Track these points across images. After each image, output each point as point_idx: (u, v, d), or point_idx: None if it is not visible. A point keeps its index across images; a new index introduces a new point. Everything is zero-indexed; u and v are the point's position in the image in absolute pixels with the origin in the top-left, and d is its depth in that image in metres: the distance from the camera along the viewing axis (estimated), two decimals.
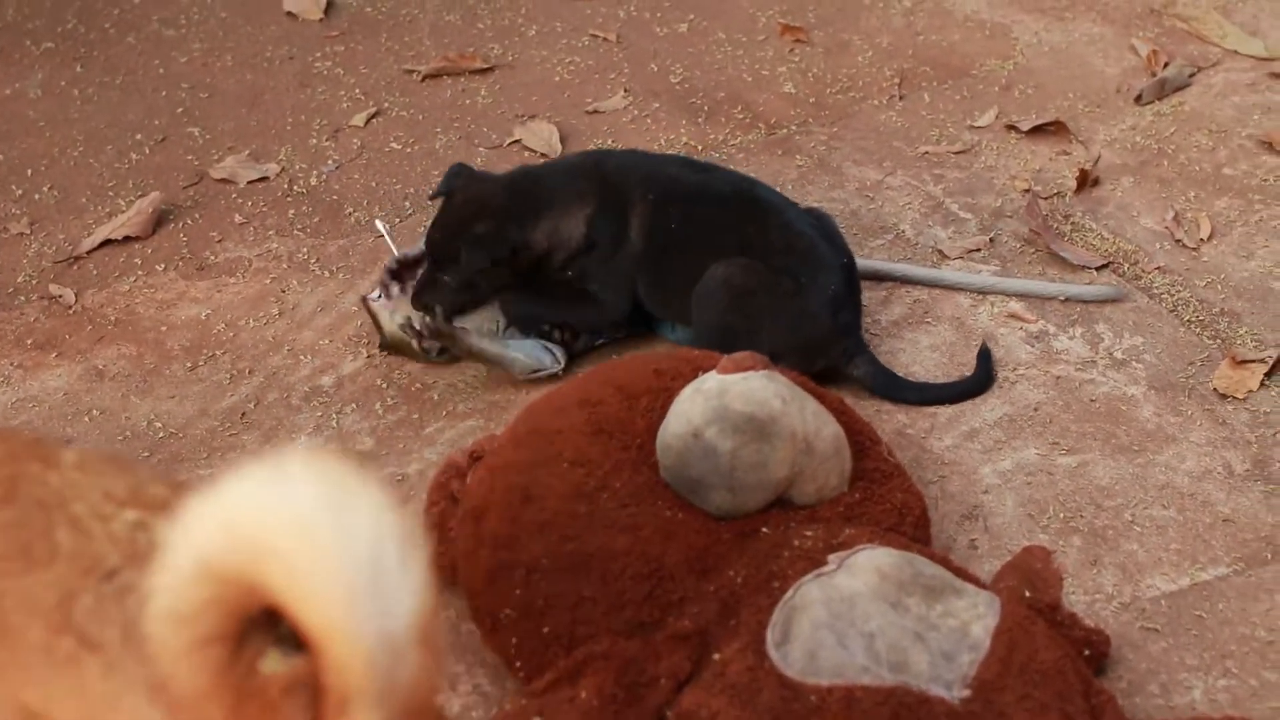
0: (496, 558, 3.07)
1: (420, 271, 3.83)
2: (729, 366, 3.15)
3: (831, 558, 3.00)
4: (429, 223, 3.84)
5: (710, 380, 3.15)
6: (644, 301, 3.86)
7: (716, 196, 3.84)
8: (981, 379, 3.81)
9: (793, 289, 3.72)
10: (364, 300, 3.88)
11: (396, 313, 3.82)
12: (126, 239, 4.25)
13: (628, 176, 3.83)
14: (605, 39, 5.04)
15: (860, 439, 3.32)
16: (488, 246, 3.73)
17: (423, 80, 4.85)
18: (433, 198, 3.93)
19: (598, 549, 3.02)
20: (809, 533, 3.08)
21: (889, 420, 3.71)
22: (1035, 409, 3.74)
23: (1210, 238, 4.24)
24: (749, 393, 3.10)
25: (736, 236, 3.77)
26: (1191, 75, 4.88)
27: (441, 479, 3.38)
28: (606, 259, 3.81)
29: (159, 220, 4.30)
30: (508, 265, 3.77)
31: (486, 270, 3.75)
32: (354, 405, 3.76)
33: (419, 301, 3.79)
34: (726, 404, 3.09)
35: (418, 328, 3.75)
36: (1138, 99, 4.78)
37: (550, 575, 3.01)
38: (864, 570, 2.95)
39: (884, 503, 3.22)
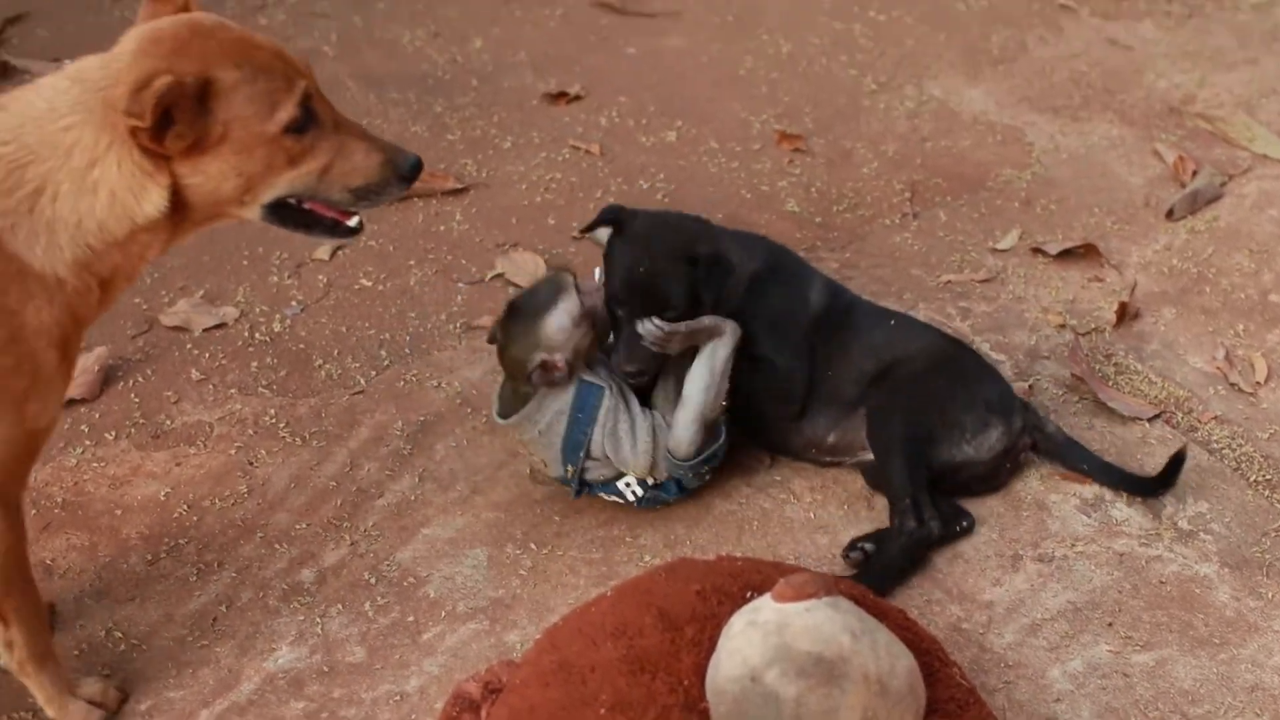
0: None
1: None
2: (787, 593, 2.74)
3: None
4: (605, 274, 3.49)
5: (766, 611, 2.73)
6: None
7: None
8: (1150, 480, 3.59)
9: (976, 356, 3.69)
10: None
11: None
12: (71, 402, 3.78)
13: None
14: (588, 151, 4.62)
15: (930, 660, 2.92)
16: (723, 267, 3.47)
17: (391, 204, 4.40)
18: (586, 231, 3.61)
19: None
20: None
21: (942, 614, 3.32)
22: (1101, 594, 3.37)
23: (1267, 379, 3.89)
24: (814, 627, 2.69)
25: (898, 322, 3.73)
26: (1223, 185, 4.53)
27: (451, 712, 2.95)
28: (785, 317, 3.58)
29: (107, 378, 3.84)
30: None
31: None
32: (340, 605, 3.33)
33: (633, 364, 3.41)
34: (788, 641, 2.68)
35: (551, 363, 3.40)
36: (1169, 214, 4.42)
37: None
38: None
39: None
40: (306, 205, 2.92)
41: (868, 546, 3.43)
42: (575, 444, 3.43)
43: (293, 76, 2.76)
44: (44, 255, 2.71)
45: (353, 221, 2.98)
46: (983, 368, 3.66)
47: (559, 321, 3.38)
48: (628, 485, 3.49)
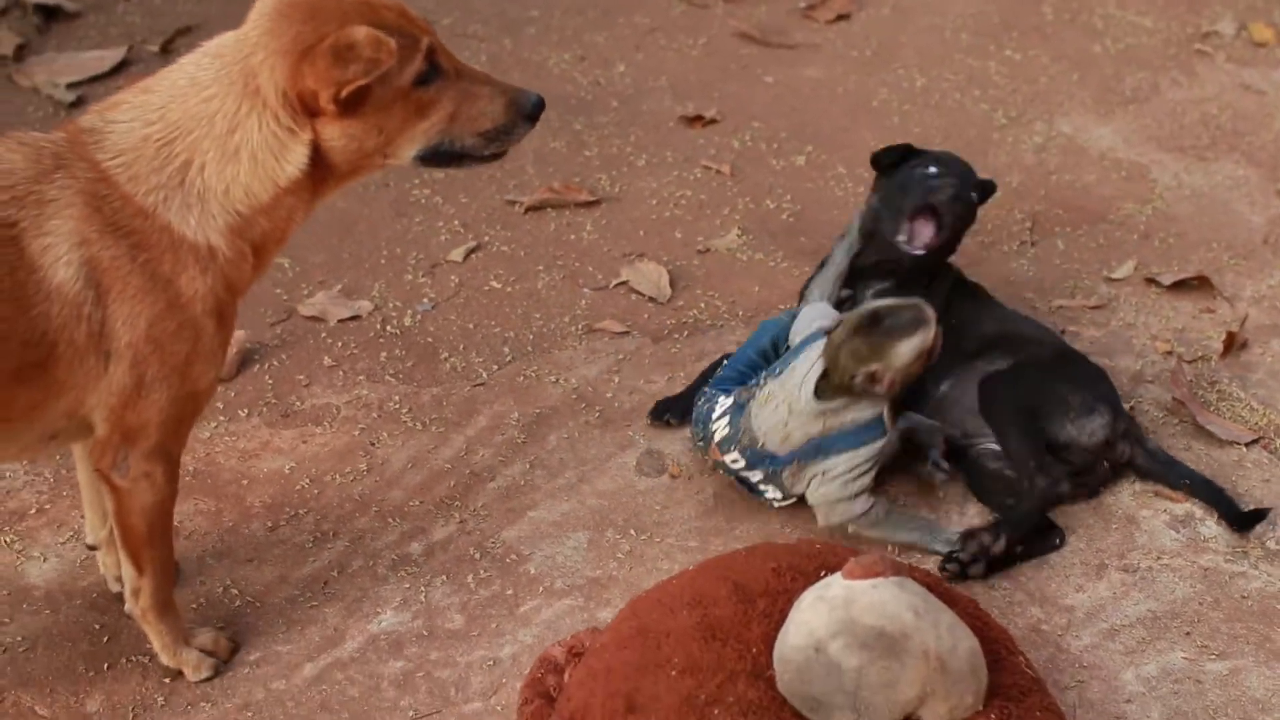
0: None
1: None
2: (856, 571, 2.86)
3: None
4: None
5: (836, 587, 2.86)
6: None
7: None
8: (1243, 514, 3.66)
9: (1093, 362, 3.87)
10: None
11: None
12: None
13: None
14: (718, 171, 4.77)
15: (996, 648, 3.02)
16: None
17: (525, 212, 4.59)
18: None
19: None
20: None
21: (1022, 615, 3.41)
22: (1182, 605, 3.44)
23: None
24: (879, 604, 2.81)
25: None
26: None
27: (537, 674, 3.11)
28: None
29: (244, 361, 4.06)
30: None
31: None
32: (444, 577, 3.50)
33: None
34: (853, 616, 2.80)
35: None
36: None
37: None
38: None
39: None
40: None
41: (961, 556, 3.53)
42: (825, 450, 3.56)
43: (416, 34, 2.92)
44: (197, 225, 2.92)
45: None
46: (1099, 370, 3.81)
47: (910, 347, 3.50)
48: (765, 491, 3.65)
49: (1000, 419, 3.67)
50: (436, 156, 3.01)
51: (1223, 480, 3.73)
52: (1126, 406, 3.90)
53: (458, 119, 2.98)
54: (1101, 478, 3.71)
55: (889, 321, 3.51)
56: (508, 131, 3.04)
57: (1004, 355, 3.76)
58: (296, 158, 2.88)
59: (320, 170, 2.93)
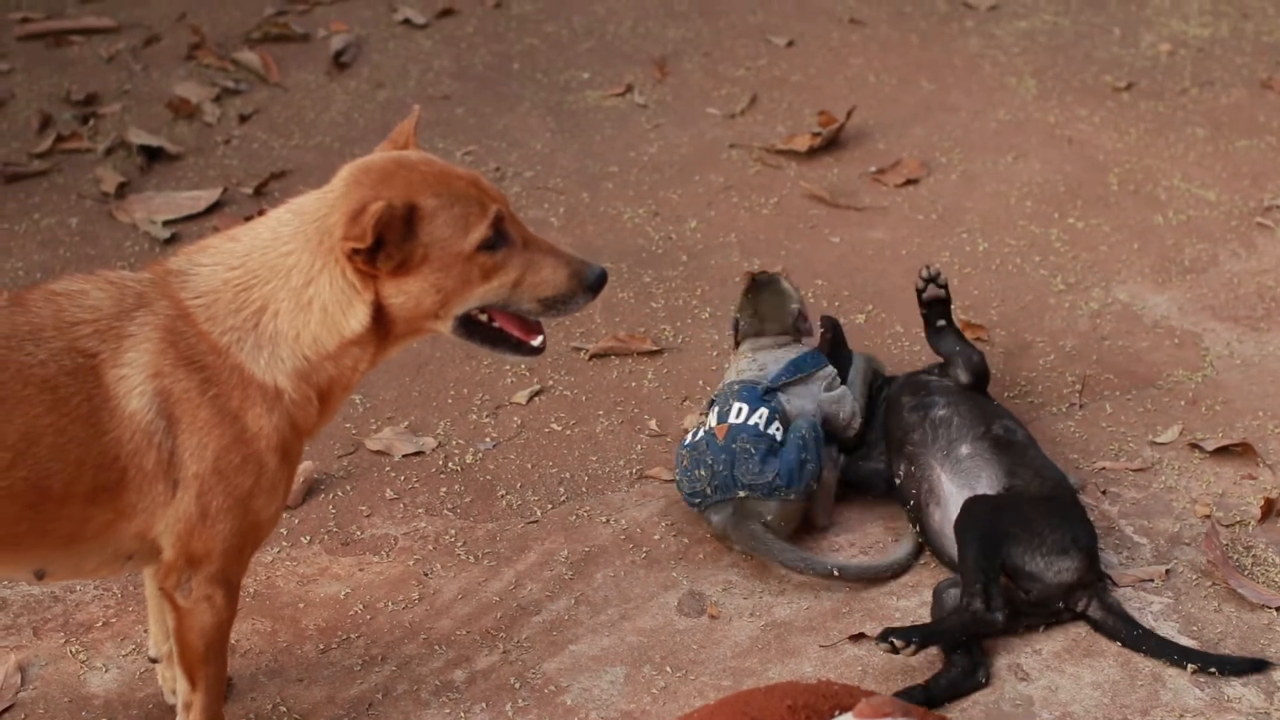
0: None
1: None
2: (866, 711, 2.97)
3: None
4: None
5: None
6: None
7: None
8: (1240, 662, 3.76)
9: (1073, 497, 4.07)
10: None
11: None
12: None
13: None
14: None
15: None
16: None
17: (590, 359, 4.77)
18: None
19: None
20: None
21: None
22: None
23: None
24: None
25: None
26: None
27: None
28: None
29: (310, 490, 4.25)
30: None
31: None
32: (484, 704, 3.64)
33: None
34: None
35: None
36: None
37: None
38: None
39: None
40: (496, 324, 3.27)
41: (896, 641, 3.71)
42: (802, 367, 4.31)
43: (486, 202, 3.14)
44: (266, 366, 3.13)
45: (536, 342, 3.32)
46: (1088, 521, 3.98)
47: (789, 284, 4.52)
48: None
49: (966, 534, 3.85)
50: (476, 326, 3.23)
51: (1250, 642, 3.80)
52: (1162, 570, 4.00)
53: (521, 285, 3.20)
54: (1046, 617, 3.87)
55: (761, 278, 4.52)
56: (568, 300, 3.26)
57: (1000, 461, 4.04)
58: (359, 313, 3.11)
59: (383, 326, 3.14)
